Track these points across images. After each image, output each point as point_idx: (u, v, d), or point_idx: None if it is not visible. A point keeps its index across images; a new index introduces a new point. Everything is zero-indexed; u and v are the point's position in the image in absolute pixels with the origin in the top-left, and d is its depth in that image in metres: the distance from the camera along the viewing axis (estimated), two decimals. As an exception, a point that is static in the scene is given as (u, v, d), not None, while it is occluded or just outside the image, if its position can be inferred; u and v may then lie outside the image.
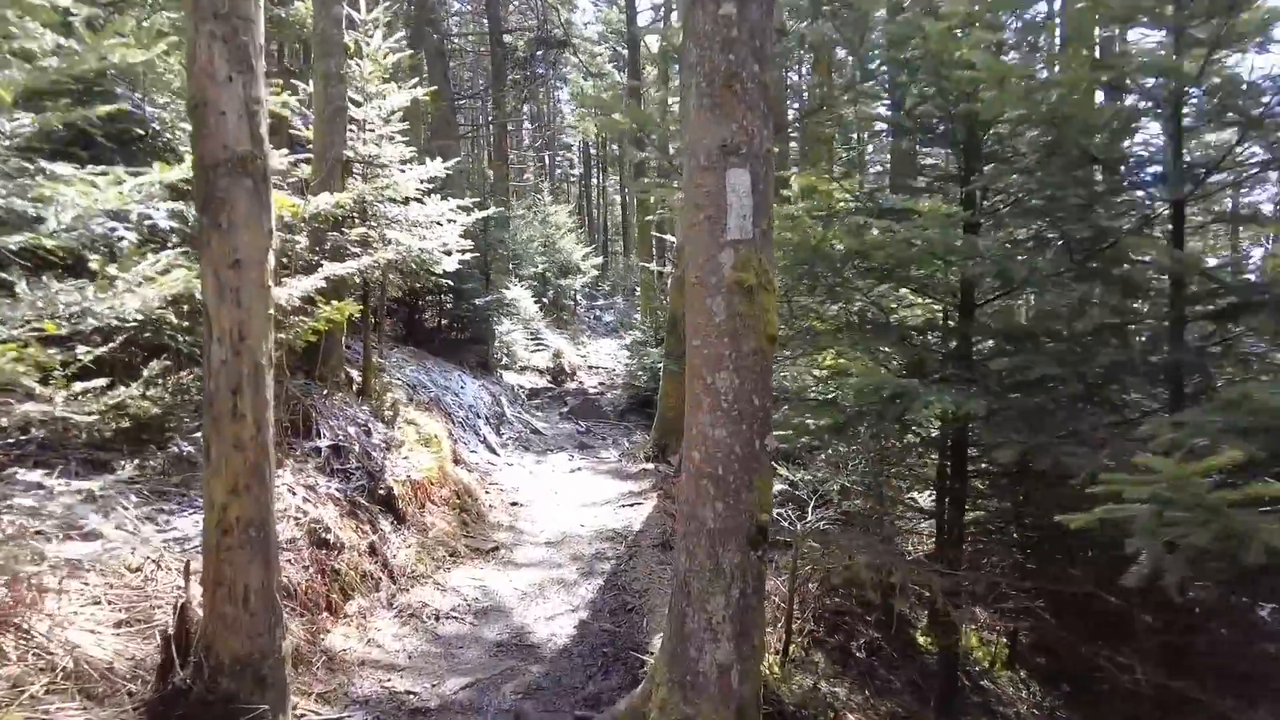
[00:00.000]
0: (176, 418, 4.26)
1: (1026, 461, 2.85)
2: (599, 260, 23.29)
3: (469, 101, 18.86)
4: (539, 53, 15.06)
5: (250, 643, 2.25)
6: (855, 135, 14.13)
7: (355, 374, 6.56)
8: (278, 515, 4.17)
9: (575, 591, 4.87)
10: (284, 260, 5.04)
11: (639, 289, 22.90)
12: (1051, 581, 3.10)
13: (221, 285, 2.13)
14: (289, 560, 3.90)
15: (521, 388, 12.87)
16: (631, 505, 6.84)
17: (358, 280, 6.11)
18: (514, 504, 6.72)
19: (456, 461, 7.10)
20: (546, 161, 34.38)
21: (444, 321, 10.38)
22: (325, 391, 5.63)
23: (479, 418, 8.77)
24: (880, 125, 7.59)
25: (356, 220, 5.89)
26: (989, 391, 2.93)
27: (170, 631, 2.33)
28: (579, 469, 8.25)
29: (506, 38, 16.74)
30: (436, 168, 6.15)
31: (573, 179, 36.82)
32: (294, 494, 4.35)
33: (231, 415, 2.18)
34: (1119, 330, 2.80)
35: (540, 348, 15.78)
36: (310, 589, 3.89)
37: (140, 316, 2.72)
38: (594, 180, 36.21)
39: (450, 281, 9.37)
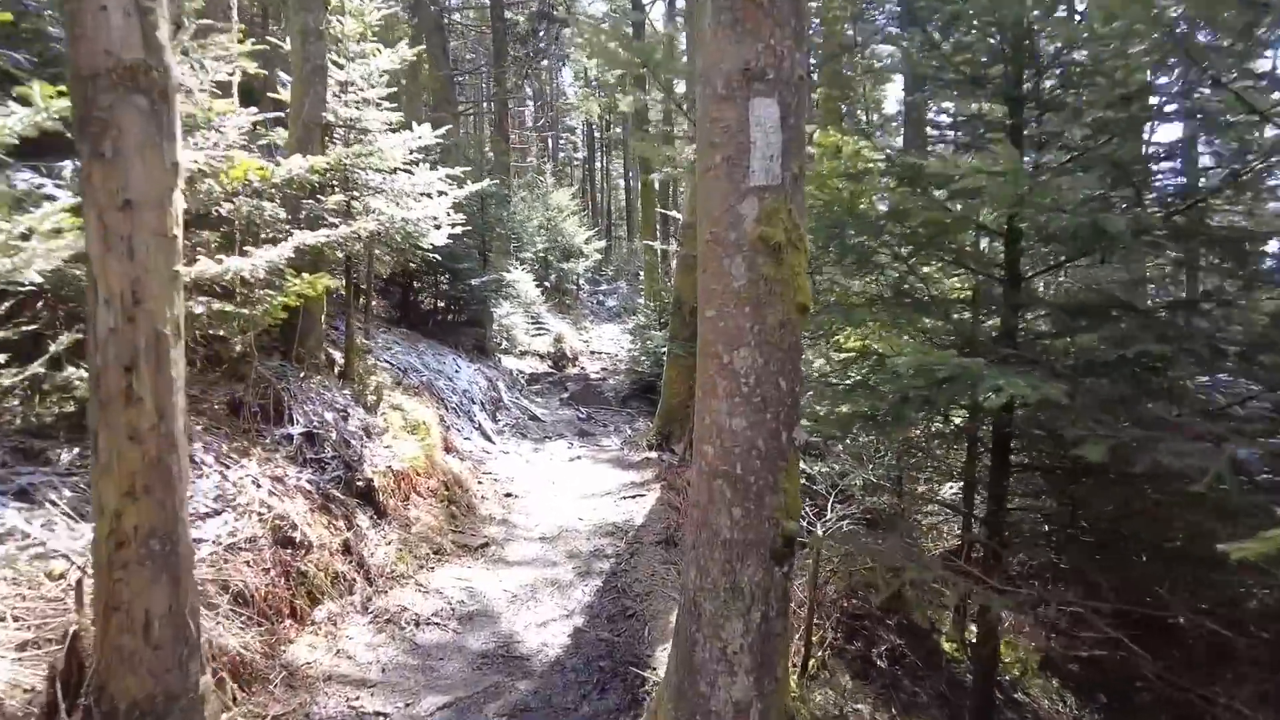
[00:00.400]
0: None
1: (1079, 455, 2.38)
2: (602, 244, 22.72)
3: (469, 79, 18.24)
4: (541, 28, 14.43)
5: (154, 682, 1.79)
6: (865, 89, 13.51)
7: (338, 355, 6.08)
8: (238, 510, 3.72)
9: (570, 594, 4.41)
10: (252, 227, 4.55)
11: (643, 273, 22.36)
12: (1129, 600, 2.62)
13: (108, 232, 1.65)
14: (247, 562, 3.44)
15: (521, 373, 12.40)
16: (633, 497, 6.37)
17: (339, 255, 5.63)
18: (508, 495, 6.26)
19: (448, 449, 6.64)
20: (549, 144, 33.70)
21: (439, 303, 9.88)
22: (302, 374, 5.16)
23: (474, 403, 8.30)
24: (897, 75, 7.02)
25: (336, 188, 5.38)
26: (1055, 374, 2.42)
27: (59, 666, 1.86)
28: (578, 458, 7.79)
29: (507, 13, 16.11)
30: (425, 133, 5.64)
31: (576, 162, 36.13)
32: (258, 486, 3.89)
33: (125, 398, 1.71)
34: (1222, 302, 2.31)
35: (541, 332, 15.29)
36: (271, 594, 3.43)
37: (40, 279, 2.24)
38: (597, 164, 35.53)
39: (446, 261, 8.89)
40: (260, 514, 3.72)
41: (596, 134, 33.64)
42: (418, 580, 4.36)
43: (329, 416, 4.90)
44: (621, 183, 36.46)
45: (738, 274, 2.18)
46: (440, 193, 5.90)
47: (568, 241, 21.00)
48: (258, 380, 4.58)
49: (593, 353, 18.09)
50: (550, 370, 14.03)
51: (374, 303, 9.82)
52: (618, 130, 34.86)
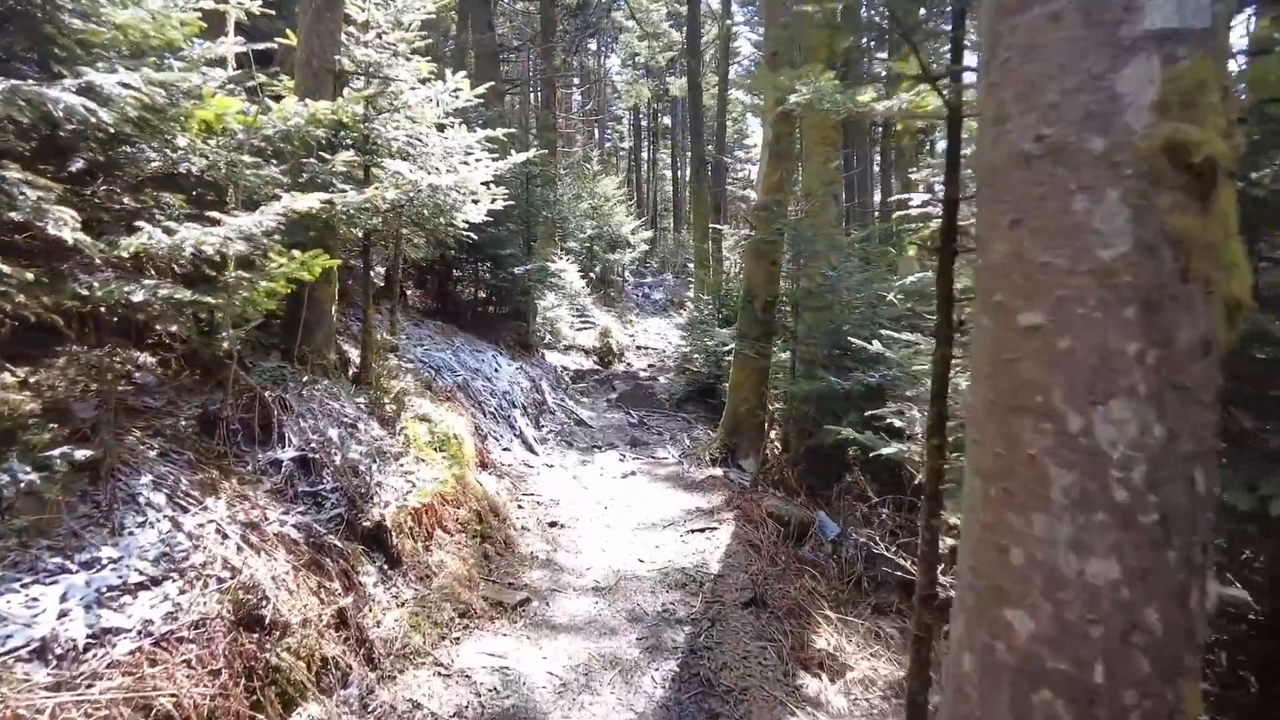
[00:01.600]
0: (68, 414, 2.77)
1: None
2: (649, 234, 21.51)
3: (514, 58, 17.17)
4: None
5: None
6: None
7: (356, 354, 5.02)
8: (188, 576, 2.64)
9: (637, 682, 3.24)
10: (238, 190, 3.47)
11: (692, 264, 21.10)
12: None
13: None
14: (190, 661, 2.36)
15: (565, 369, 11.30)
16: (702, 530, 5.18)
17: (355, 232, 4.54)
18: (553, 525, 5.12)
19: (484, 465, 5.54)
20: (596, 134, 32.57)
21: (480, 293, 8.81)
22: (305, 378, 4.09)
23: (514, 407, 7.20)
24: None
25: (350, 147, 4.28)
26: None
27: None
28: (632, 473, 6.62)
29: (556, -11, 14.98)
30: (462, 85, 4.51)
31: (622, 152, 34.94)
32: (224, 538, 2.81)
33: None
34: None
35: (586, 325, 14.20)
36: (218, 710, 2.33)
37: None
38: (644, 154, 34.28)
39: (487, 247, 7.80)
40: (220, 580, 2.64)
41: (644, 123, 32.38)
42: (437, 658, 3.24)
43: (333, 434, 3.82)
44: (668, 174, 35.19)
45: (1108, 229, 0.94)
46: (477, 159, 4.76)
47: (614, 231, 19.86)
48: (242, 388, 3.52)
49: (639, 348, 16.95)
50: (596, 367, 12.91)
51: (408, 292, 8.80)
52: (665, 120, 33.58)
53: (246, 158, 3.19)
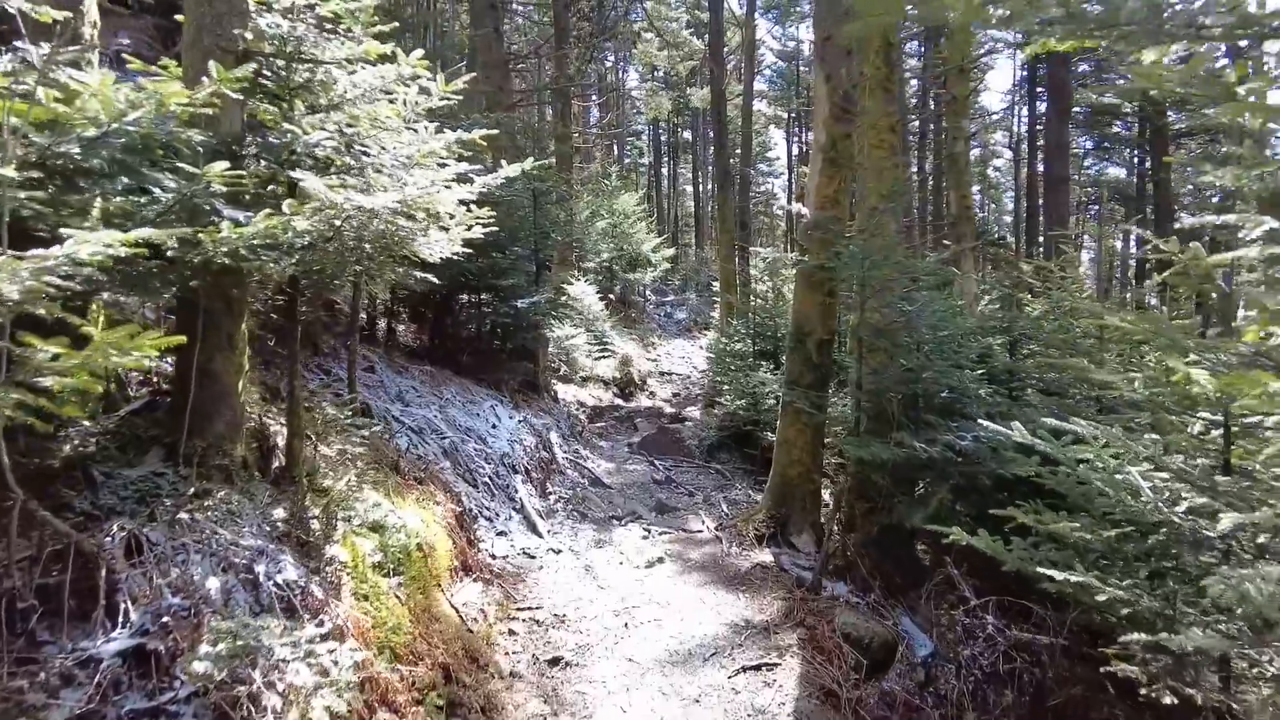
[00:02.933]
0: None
1: None
2: (670, 252, 20.16)
3: (526, 67, 15.99)
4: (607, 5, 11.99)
5: None
6: None
7: (282, 436, 3.68)
8: None
9: None
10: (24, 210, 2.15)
11: (716, 283, 19.67)
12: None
13: None
14: None
15: (582, 406, 9.93)
16: (758, 667, 3.73)
17: (249, 272, 3.20)
18: (554, 661, 3.71)
19: (466, 569, 4.17)
20: (615, 149, 31.39)
21: (483, 329, 7.48)
22: (191, 489, 2.76)
23: (515, 473, 5.83)
24: None
25: (259, 156, 2.96)
26: None
27: None
28: (660, 559, 5.19)
29: (570, -6, 13.77)
30: (418, 67, 3.17)
31: (642, 168, 33.72)
32: None
33: None
34: None
35: (605, 354, 12.84)
36: None
37: None
38: (664, 170, 33.04)
39: (486, 277, 6.48)
40: None
41: (663, 138, 31.16)
42: None
43: (213, 586, 2.46)
44: (689, 189, 33.90)
45: None
46: (450, 178, 3.38)
47: (634, 249, 18.55)
48: (48, 534, 2.18)
49: (662, 374, 15.57)
50: (616, 401, 11.54)
51: (397, 329, 7.51)
52: (685, 135, 32.32)
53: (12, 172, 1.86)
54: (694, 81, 19.88)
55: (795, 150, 28.22)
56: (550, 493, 6.18)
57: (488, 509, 5.20)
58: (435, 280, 3.89)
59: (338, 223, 2.75)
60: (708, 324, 19.44)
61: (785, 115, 27.37)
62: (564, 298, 8.73)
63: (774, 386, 7.03)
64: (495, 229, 3.78)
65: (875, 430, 5.27)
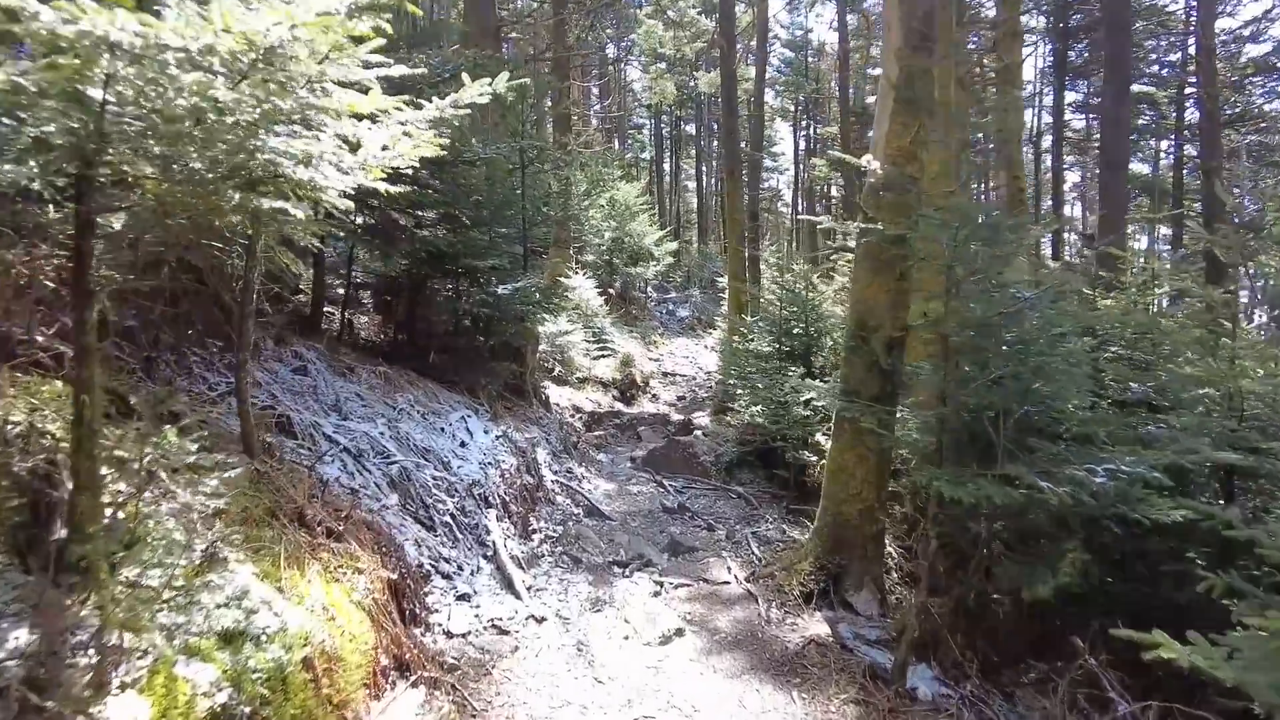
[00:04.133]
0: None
1: None
2: (673, 246, 18.73)
3: (521, 35, 14.50)
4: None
5: None
6: None
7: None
8: None
9: None
10: None
11: (722, 279, 18.23)
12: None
13: None
14: None
15: (578, 412, 8.50)
16: None
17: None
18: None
19: (400, 668, 2.75)
20: (616, 143, 29.93)
21: (459, 322, 6.03)
22: None
23: (488, 507, 4.39)
24: None
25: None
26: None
27: None
28: (678, 632, 3.76)
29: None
30: None
31: (644, 163, 32.26)
32: None
33: None
34: None
35: (605, 352, 11.41)
36: None
37: None
38: (666, 165, 31.59)
39: (462, 256, 5.07)
40: None
41: (666, 130, 29.73)
42: None
43: None
44: (691, 185, 32.48)
45: None
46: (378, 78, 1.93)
47: (635, 243, 17.10)
48: None
49: (666, 375, 14.15)
50: (616, 405, 10.11)
51: (356, 321, 6.08)
52: (689, 128, 30.90)
53: None
54: (700, 64, 18.44)
55: (802, 145, 26.82)
56: (534, 530, 4.74)
57: (447, 560, 3.76)
58: (435, 247, 2.42)
59: (91, 73, 1.32)
60: (713, 322, 18.05)
61: (792, 107, 25.94)
62: (559, 286, 7.28)
63: (810, 395, 5.61)
64: (486, 202, 2.33)
65: (960, 458, 3.87)
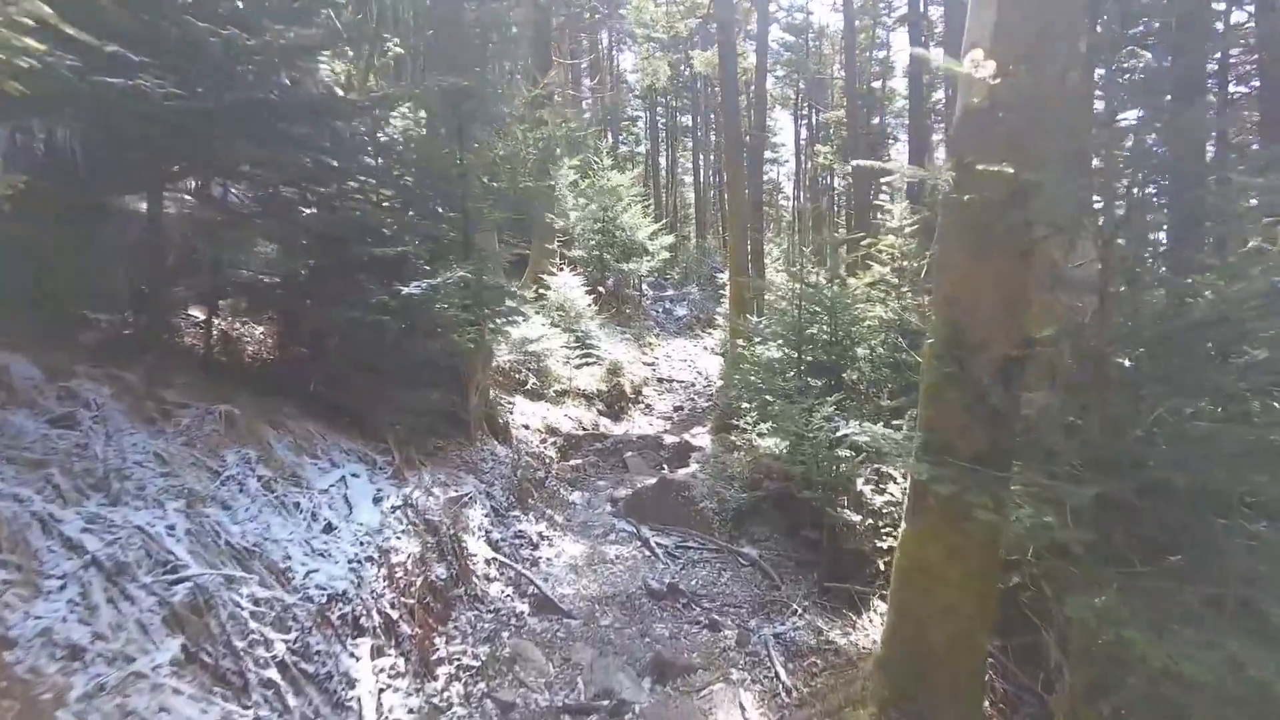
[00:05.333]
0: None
1: None
2: (669, 239, 16.97)
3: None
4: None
5: None
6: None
7: None
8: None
9: None
10: None
11: (722, 274, 16.47)
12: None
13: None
14: None
15: (552, 436, 6.80)
16: None
17: None
18: None
19: None
20: (610, 137, 28.16)
21: (357, 334, 4.27)
22: None
23: (357, 636, 2.67)
24: None
25: None
26: None
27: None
28: None
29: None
30: None
31: (639, 158, 30.48)
32: None
33: None
34: None
35: (589, 359, 9.68)
36: None
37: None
38: (662, 159, 29.80)
39: (352, 242, 3.36)
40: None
41: (661, 121, 27.95)
42: None
43: None
44: (688, 179, 30.71)
45: None
46: None
47: (627, 236, 15.34)
48: None
49: (661, 381, 12.44)
50: (601, 423, 8.41)
51: (235, 332, 4.39)
52: (684, 119, 29.13)
53: None
54: (695, 42, 16.67)
55: (804, 134, 25.03)
56: (441, 659, 3.02)
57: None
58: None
59: None
60: (713, 321, 16.32)
61: (793, 94, 24.14)
62: (510, 285, 5.57)
63: (853, 435, 3.88)
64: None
65: (1109, 555, 2.22)
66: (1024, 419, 2.51)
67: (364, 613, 2.74)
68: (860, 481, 4.22)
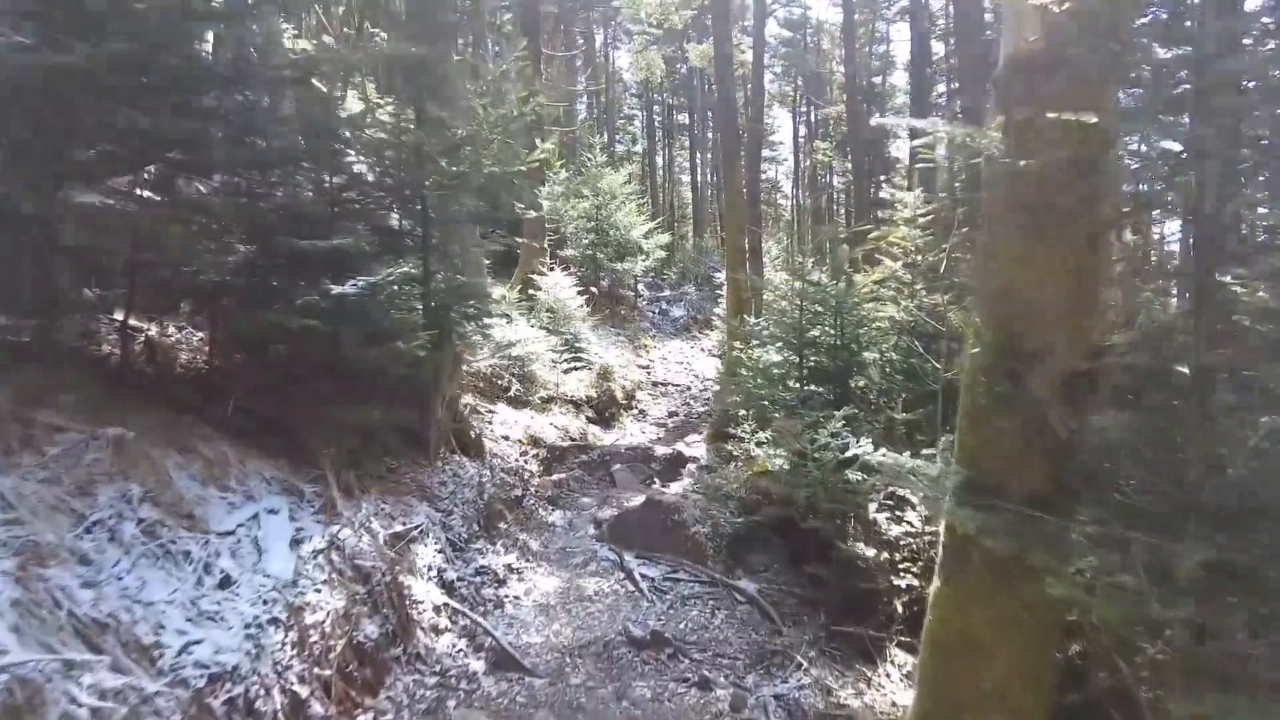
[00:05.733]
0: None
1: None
2: (665, 238, 16.38)
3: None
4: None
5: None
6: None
7: None
8: None
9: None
10: None
11: (720, 274, 15.89)
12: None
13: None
14: None
15: (534, 448, 6.25)
16: None
17: None
18: None
19: None
20: (605, 135, 27.57)
21: (275, 342, 3.68)
22: None
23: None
24: None
25: None
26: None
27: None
28: None
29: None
30: None
31: (635, 157, 29.90)
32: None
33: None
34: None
35: (577, 363, 9.11)
36: None
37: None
38: (659, 158, 29.22)
39: (278, 226, 2.75)
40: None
41: (658, 121, 27.38)
42: None
43: None
44: (685, 178, 30.13)
45: None
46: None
47: (622, 235, 14.74)
48: None
49: (656, 384, 11.86)
50: (589, 431, 7.84)
51: (163, 336, 3.82)
52: (681, 118, 28.55)
53: None
54: (689, 36, 16.09)
55: (803, 131, 24.44)
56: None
57: None
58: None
59: None
60: (710, 322, 15.74)
61: (791, 91, 23.56)
62: (486, 284, 5.00)
63: (862, 451, 3.30)
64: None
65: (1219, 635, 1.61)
66: (1095, 450, 1.93)
67: (261, 694, 2.17)
68: (873, 507, 3.64)
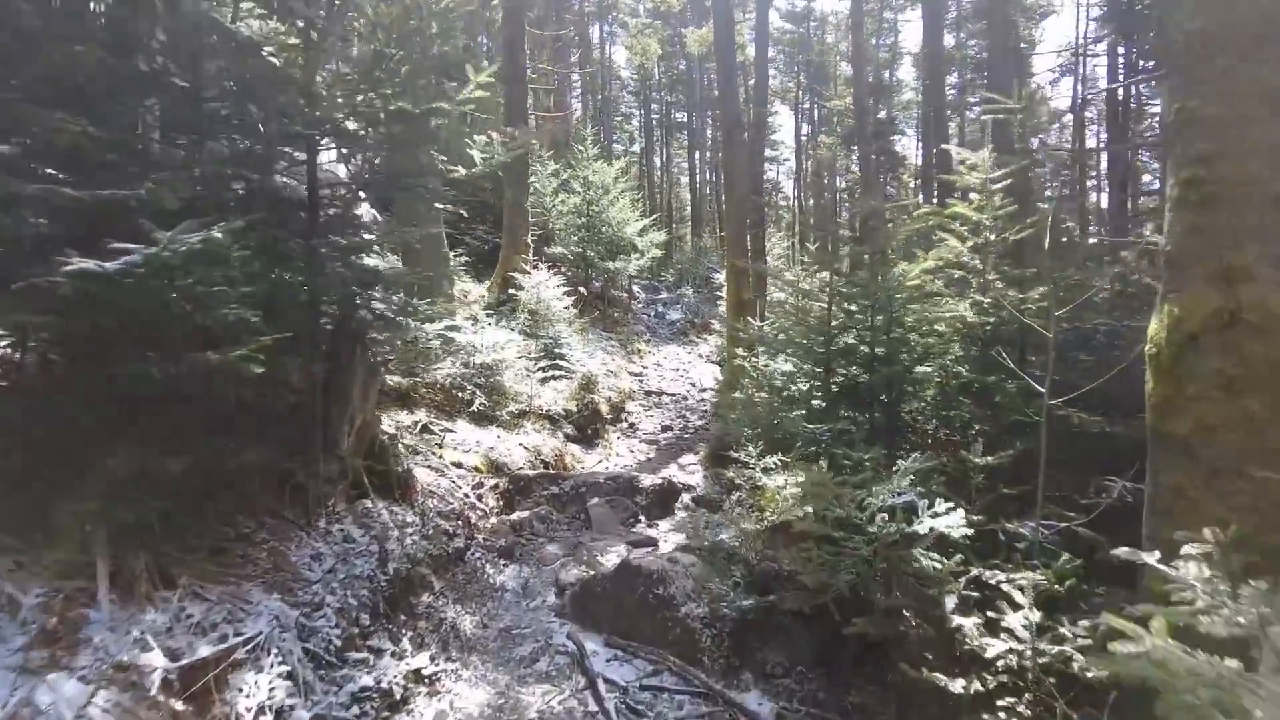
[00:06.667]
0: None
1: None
2: (661, 237, 15.11)
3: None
4: None
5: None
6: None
7: None
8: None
9: None
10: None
11: (720, 274, 14.59)
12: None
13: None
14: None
15: (496, 476, 5.00)
16: None
17: None
18: None
19: None
20: (601, 136, 26.35)
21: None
22: None
23: None
24: None
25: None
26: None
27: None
28: None
29: None
30: None
31: (632, 156, 28.68)
32: None
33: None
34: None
35: (558, 371, 7.84)
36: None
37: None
38: (657, 158, 28.01)
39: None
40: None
41: (655, 118, 26.16)
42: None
43: None
44: (684, 180, 28.90)
45: None
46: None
47: (615, 232, 13.48)
48: None
49: (649, 394, 10.58)
50: (568, 452, 6.57)
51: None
52: (680, 116, 27.33)
53: None
54: (686, 20, 14.87)
55: (805, 129, 23.21)
56: None
57: None
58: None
59: None
60: (709, 325, 14.48)
61: (793, 87, 22.33)
62: (403, 270, 3.73)
63: (944, 527, 2.03)
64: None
65: None
66: None
67: None
68: (950, 603, 2.36)
